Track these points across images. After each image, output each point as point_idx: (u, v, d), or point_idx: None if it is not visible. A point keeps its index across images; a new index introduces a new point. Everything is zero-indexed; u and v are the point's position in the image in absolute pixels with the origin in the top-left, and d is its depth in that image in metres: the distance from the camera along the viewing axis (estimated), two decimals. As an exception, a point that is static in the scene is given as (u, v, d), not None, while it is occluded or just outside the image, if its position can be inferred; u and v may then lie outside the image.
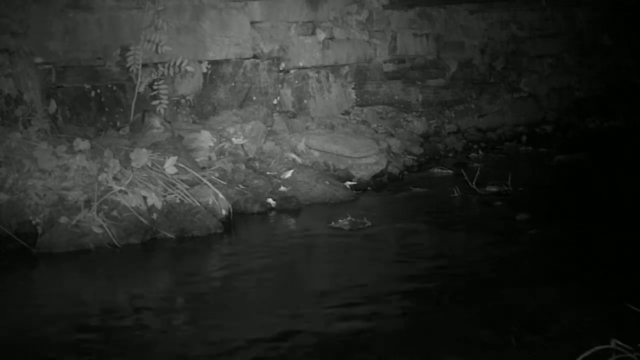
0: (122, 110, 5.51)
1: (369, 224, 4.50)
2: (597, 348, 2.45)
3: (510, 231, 4.37)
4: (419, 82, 7.81)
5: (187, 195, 4.41)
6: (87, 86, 5.39)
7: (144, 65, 5.33)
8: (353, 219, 4.54)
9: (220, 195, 4.56)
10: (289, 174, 5.30)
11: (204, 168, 4.95)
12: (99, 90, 5.44)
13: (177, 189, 4.44)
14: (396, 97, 7.56)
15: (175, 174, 4.50)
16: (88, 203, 4.13)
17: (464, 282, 3.51)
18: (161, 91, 5.34)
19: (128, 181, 4.25)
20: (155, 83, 5.37)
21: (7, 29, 4.89)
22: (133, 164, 4.36)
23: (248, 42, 6.23)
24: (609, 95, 8.98)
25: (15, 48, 4.90)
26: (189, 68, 5.42)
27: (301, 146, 5.91)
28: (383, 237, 4.34)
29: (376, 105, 7.39)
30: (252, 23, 6.27)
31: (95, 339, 2.89)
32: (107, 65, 5.43)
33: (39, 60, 5.08)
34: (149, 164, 4.44)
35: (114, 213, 4.14)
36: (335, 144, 5.85)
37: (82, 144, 4.37)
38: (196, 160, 5.03)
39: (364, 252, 4.07)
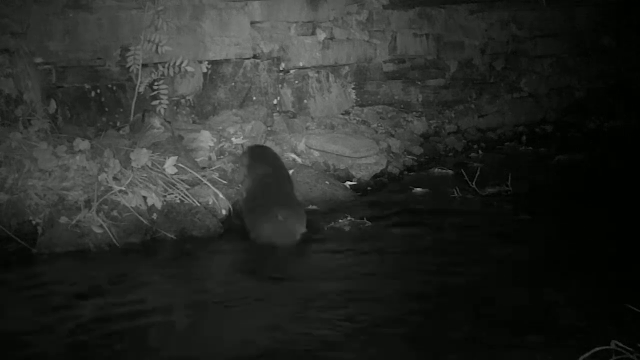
0: (122, 110, 5.51)
1: (369, 224, 4.50)
2: (597, 349, 2.45)
3: (510, 231, 4.37)
4: (419, 82, 7.80)
5: (187, 195, 4.41)
6: (87, 86, 5.40)
7: (144, 65, 5.33)
8: (353, 219, 4.55)
9: (220, 195, 4.56)
10: (289, 174, 5.30)
11: (204, 168, 4.95)
12: (99, 90, 5.44)
13: (177, 189, 4.44)
14: (396, 97, 7.56)
15: (175, 174, 4.50)
16: (88, 203, 4.14)
17: (464, 282, 3.51)
18: (161, 91, 5.34)
19: (128, 181, 4.25)
20: (155, 83, 5.37)
21: (7, 29, 4.89)
22: (133, 164, 4.36)
23: (248, 42, 6.23)
24: (609, 95, 8.97)
25: (15, 48, 4.90)
26: (189, 68, 5.41)
27: (301, 146, 5.91)
28: (383, 237, 4.34)
29: (376, 105, 7.39)
30: (252, 23, 6.27)
31: (95, 340, 2.89)
32: (107, 65, 5.43)
33: (39, 60, 5.08)
34: (149, 164, 4.44)
35: (114, 213, 4.14)
36: (335, 144, 5.85)
37: (82, 144, 4.37)
38: (196, 160, 5.03)
39: (364, 252, 4.07)
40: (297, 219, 4.28)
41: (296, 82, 6.69)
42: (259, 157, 4.74)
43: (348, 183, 5.60)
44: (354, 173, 5.76)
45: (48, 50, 5.13)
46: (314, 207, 4.91)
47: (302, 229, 4.28)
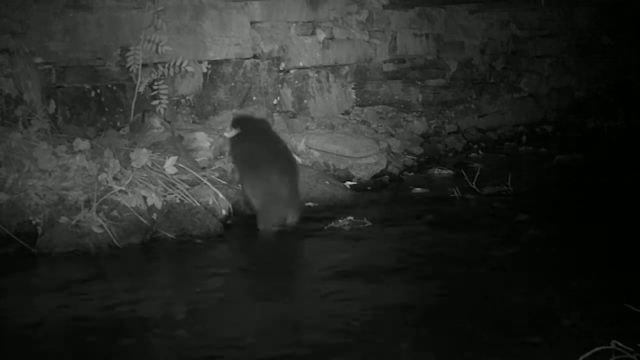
0: (122, 110, 5.51)
1: (369, 224, 4.50)
2: (597, 349, 2.45)
3: (510, 231, 4.37)
4: (419, 82, 7.80)
5: (187, 195, 4.41)
6: (87, 86, 5.39)
7: (144, 65, 5.32)
8: (353, 219, 4.54)
9: (220, 195, 4.56)
10: (289, 174, 5.29)
11: (204, 168, 4.95)
12: (99, 90, 5.44)
13: (177, 189, 4.44)
14: (396, 97, 7.56)
15: (175, 174, 4.50)
16: (88, 203, 4.13)
17: (463, 283, 3.51)
18: (161, 91, 5.34)
19: (128, 181, 4.25)
20: (155, 83, 5.37)
21: (7, 29, 4.89)
22: (133, 164, 4.36)
23: (248, 42, 6.24)
24: (609, 95, 8.98)
25: (15, 48, 4.90)
26: (189, 68, 5.41)
27: (301, 146, 5.91)
28: (383, 237, 4.34)
29: (376, 105, 7.39)
30: (252, 23, 6.27)
31: (95, 340, 2.89)
32: (107, 65, 5.43)
33: (39, 60, 5.07)
34: (149, 164, 4.44)
35: (114, 213, 4.14)
36: (335, 144, 5.85)
37: (82, 144, 4.37)
38: (196, 160, 5.03)
39: (364, 252, 4.07)
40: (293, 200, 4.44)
41: (296, 82, 6.69)
42: (239, 121, 4.78)
43: (348, 183, 5.60)
44: (354, 173, 5.76)
45: (48, 50, 5.12)
46: (314, 205, 4.92)
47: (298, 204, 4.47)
